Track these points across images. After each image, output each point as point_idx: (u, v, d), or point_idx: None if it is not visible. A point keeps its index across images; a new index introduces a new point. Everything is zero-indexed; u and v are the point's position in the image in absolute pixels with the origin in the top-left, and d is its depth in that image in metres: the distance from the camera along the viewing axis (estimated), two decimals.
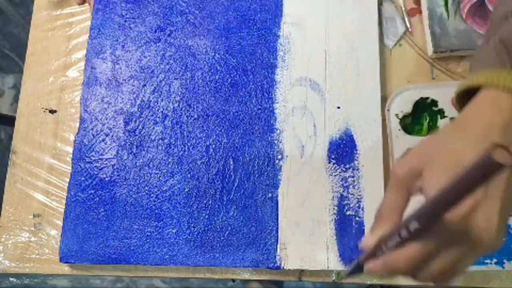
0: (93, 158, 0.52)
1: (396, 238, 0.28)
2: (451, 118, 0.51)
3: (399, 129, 0.51)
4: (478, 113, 0.29)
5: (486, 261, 0.48)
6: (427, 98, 0.52)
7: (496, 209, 0.27)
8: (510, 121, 0.28)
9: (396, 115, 0.52)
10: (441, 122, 0.52)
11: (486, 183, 0.22)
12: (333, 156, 0.51)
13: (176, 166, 0.51)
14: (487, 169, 0.21)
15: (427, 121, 0.53)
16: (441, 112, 0.52)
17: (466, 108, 0.30)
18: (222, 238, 0.49)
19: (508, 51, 0.31)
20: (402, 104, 0.52)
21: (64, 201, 0.52)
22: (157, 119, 0.53)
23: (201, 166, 0.51)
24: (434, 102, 0.52)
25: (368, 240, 0.30)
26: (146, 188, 0.51)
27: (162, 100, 0.53)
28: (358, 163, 0.50)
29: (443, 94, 0.52)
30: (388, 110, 0.52)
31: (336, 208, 0.49)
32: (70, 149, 0.54)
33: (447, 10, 0.54)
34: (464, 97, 0.33)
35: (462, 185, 0.23)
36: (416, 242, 0.27)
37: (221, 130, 0.52)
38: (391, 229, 0.29)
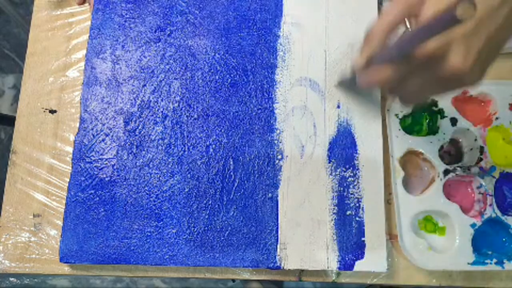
0: (93, 158, 0.52)
1: (380, 58, 0.33)
2: (452, 118, 0.52)
3: (399, 129, 0.51)
4: None
5: (486, 261, 0.48)
6: None
7: (476, 48, 0.30)
8: None
9: (396, 115, 0.52)
10: (441, 122, 0.52)
11: (446, 31, 0.26)
12: (333, 156, 0.51)
13: (176, 166, 0.51)
14: (447, 22, 0.25)
15: (427, 121, 0.53)
16: (441, 112, 0.52)
17: None
18: (222, 238, 0.49)
19: None
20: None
21: (64, 201, 0.52)
22: (157, 119, 0.53)
23: (201, 166, 0.51)
24: (434, 102, 0.52)
25: (358, 59, 0.35)
26: (146, 188, 0.51)
27: (162, 100, 0.53)
28: (358, 163, 0.51)
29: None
30: (388, 110, 0.52)
31: (336, 208, 0.49)
32: (70, 149, 0.54)
33: None
34: None
35: (429, 27, 0.27)
36: (395, 64, 0.33)
37: (221, 130, 0.52)
38: (378, 48, 0.34)
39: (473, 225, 0.49)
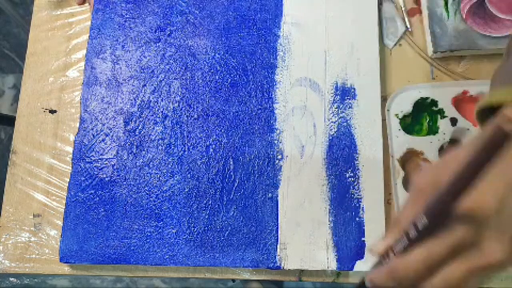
0: (93, 158, 0.52)
1: (404, 241, 0.27)
2: (452, 119, 0.51)
3: (399, 129, 0.51)
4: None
5: None
6: (427, 98, 0.52)
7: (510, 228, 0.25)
8: None
9: (396, 115, 0.52)
10: (441, 122, 0.52)
11: (494, 158, 0.21)
12: (333, 156, 0.51)
13: (176, 166, 0.51)
14: (497, 141, 0.21)
15: (427, 121, 0.53)
16: (441, 112, 0.52)
17: (490, 124, 0.28)
18: (222, 238, 0.49)
19: None
20: (402, 104, 0.52)
21: (64, 201, 0.52)
22: (157, 119, 0.53)
23: (201, 166, 0.51)
24: (434, 102, 0.52)
25: (377, 246, 0.29)
26: (146, 188, 0.51)
27: (162, 100, 0.53)
28: (358, 163, 0.51)
29: (443, 94, 0.52)
30: (388, 110, 0.52)
31: (336, 208, 0.49)
32: (70, 149, 0.54)
33: (447, 10, 0.54)
34: (485, 113, 0.32)
35: (470, 166, 0.22)
36: (423, 245, 0.26)
37: (221, 130, 0.52)
38: (399, 233, 0.28)
39: None
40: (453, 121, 0.52)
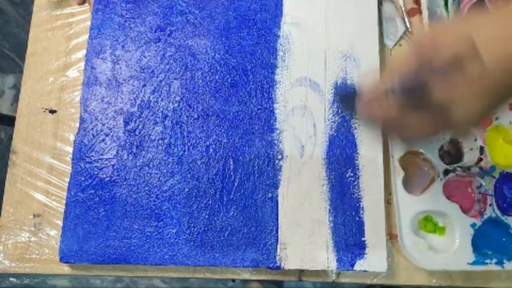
0: (93, 158, 0.52)
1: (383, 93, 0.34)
2: None
3: None
4: None
5: (486, 261, 0.48)
6: None
7: (478, 107, 0.30)
8: None
9: None
10: None
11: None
12: (333, 156, 0.51)
13: (176, 166, 0.51)
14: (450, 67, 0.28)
15: None
16: None
17: None
18: (222, 238, 0.49)
19: None
20: None
21: (64, 201, 0.52)
22: (157, 119, 0.53)
23: (201, 166, 0.51)
24: None
25: (367, 87, 0.35)
26: (146, 188, 0.51)
27: (162, 100, 0.53)
28: (358, 163, 0.51)
29: None
30: None
31: (336, 208, 0.49)
32: (70, 149, 0.54)
33: (447, 10, 0.54)
34: None
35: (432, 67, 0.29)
36: (398, 100, 0.33)
37: (221, 130, 0.52)
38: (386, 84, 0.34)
39: (473, 225, 0.49)
40: None
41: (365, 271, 0.48)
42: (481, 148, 0.51)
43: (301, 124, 0.52)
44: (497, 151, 0.51)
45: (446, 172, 0.50)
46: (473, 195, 0.51)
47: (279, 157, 0.51)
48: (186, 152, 0.52)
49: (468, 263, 0.47)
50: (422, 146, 0.50)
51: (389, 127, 0.37)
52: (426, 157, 0.51)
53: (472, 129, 0.32)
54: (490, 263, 0.48)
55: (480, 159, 0.51)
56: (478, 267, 0.47)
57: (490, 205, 0.50)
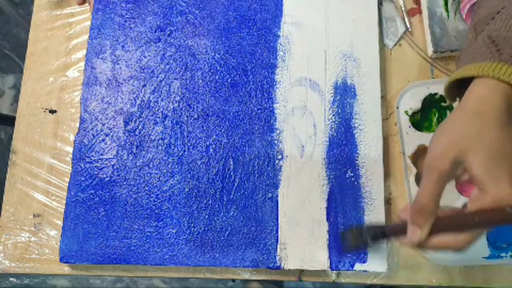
0: (93, 158, 0.52)
1: (444, 226, 0.34)
2: None
3: (409, 126, 0.51)
4: (487, 99, 0.34)
5: (502, 254, 0.47)
6: (436, 94, 0.52)
7: None
8: None
9: (406, 112, 0.52)
10: None
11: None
12: (333, 156, 0.51)
13: (176, 166, 0.51)
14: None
15: (436, 117, 0.53)
16: (450, 108, 0.52)
17: (470, 94, 0.35)
18: (222, 238, 0.49)
19: (497, 47, 0.35)
20: (411, 101, 0.52)
21: (64, 201, 0.52)
22: (157, 119, 0.53)
23: (201, 166, 0.51)
24: (443, 98, 0.52)
25: (419, 233, 0.34)
26: (146, 188, 0.51)
27: (162, 100, 0.53)
28: (358, 163, 0.50)
29: None
30: (397, 107, 0.52)
31: (336, 208, 0.49)
32: (70, 149, 0.54)
33: (447, 10, 0.54)
34: (452, 88, 0.38)
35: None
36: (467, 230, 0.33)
37: (221, 130, 0.52)
38: (434, 217, 0.34)
39: None
40: None
41: (365, 271, 0.48)
42: None
43: (301, 124, 0.52)
44: None
45: None
46: None
47: (279, 157, 0.51)
48: (186, 152, 0.52)
49: (484, 257, 0.47)
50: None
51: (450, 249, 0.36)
52: None
53: None
54: (506, 256, 0.47)
55: None
56: (494, 260, 0.47)
57: None
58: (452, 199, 0.49)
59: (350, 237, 0.39)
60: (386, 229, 0.38)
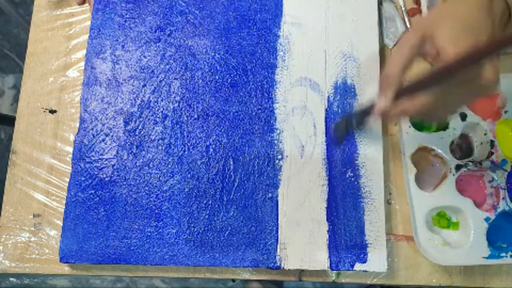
0: (93, 158, 0.52)
1: (409, 90, 0.35)
2: (461, 114, 0.51)
3: (409, 126, 0.51)
4: None
5: (502, 254, 0.48)
6: None
7: (498, 62, 0.33)
8: None
9: None
10: (450, 118, 0.52)
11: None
12: (333, 156, 0.51)
13: (176, 166, 0.51)
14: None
15: None
16: None
17: None
18: (222, 238, 0.49)
19: None
20: None
21: (64, 201, 0.52)
22: (157, 119, 0.53)
23: (201, 166, 0.51)
24: None
25: (383, 99, 0.36)
26: (146, 188, 0.51)
27: (162, 100, 0.53)
28: (358, 163, 0.51)
29: None
30: None
31: (336, 208, 0.49)
32: (70, 149, 0.54)
33: None
34: None
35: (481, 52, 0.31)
36: (428, 92, 0.34)
37: (221, 130, 0.52)
38: (399, 84, 0.35)
39: (487, 219, 0.49)
40: (463, 116, 0.52)
41: (365, 271, 0.48)
42: (492, 142, 0.51)
43: (301, 124, 0.52)
44: (507, 144, 0.51)
45: (458, 167, 0.50)
46: (485, 189, 0.51)
47: (279, 157, 0.51)
48: (186, 152, 0.52)
49: (484, 257, 0.47)
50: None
51: (422, 116, 0.38)
52: (437, 153, 0.51)
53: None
54: (506, 257, 0.47)
55: (491, 153, 0.51)
56: (494, 260, 0.47)
57: (503, 198, 0.49)
58: (452, 199, 0.49)
59: (341, 127, 0.44)
60: (371, 109, 0.40)
